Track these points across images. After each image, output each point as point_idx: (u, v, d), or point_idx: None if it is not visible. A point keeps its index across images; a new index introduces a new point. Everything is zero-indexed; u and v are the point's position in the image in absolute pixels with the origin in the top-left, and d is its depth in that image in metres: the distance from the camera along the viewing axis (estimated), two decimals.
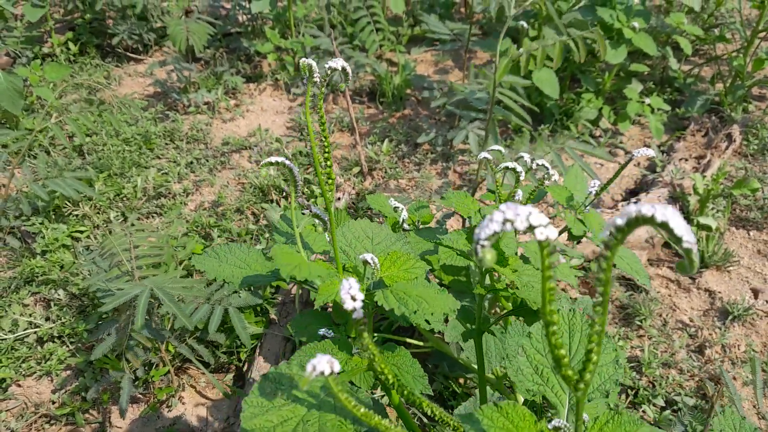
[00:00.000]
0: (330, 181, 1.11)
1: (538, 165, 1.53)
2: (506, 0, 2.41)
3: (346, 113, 3.56)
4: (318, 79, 1.05)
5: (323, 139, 1.07)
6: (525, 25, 2.53)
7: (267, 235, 2.47)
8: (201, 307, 1.99)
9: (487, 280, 1.38)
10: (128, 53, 4.25)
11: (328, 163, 1.09)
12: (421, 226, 1.90)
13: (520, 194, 1.50)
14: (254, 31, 4.27)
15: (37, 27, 4.08)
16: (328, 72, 1.03)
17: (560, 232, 1.60)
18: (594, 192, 1.50)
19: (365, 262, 1.09)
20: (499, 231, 0.54)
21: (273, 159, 1.15)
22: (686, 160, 3.02)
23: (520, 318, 1.43)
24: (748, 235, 2.65)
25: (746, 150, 3.11)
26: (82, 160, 3.11)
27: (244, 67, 4.02)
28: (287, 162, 1.15)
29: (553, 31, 2.99)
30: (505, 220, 0.54)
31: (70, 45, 4.10)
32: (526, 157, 1.66)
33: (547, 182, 1.61)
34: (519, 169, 1.35)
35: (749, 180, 2.51)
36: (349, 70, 1.04)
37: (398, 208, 1.75)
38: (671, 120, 3.41)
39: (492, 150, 1.67)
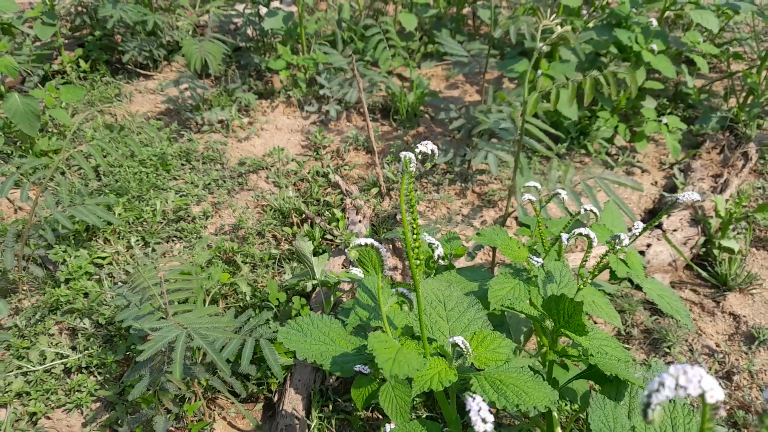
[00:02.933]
0: (420, 266, 1.12)
1: (585, 210, 1.53)
2: (528, 28, 2.42)
3: (360, 132, 3.56)
4: (413, 166, 1.07)
5: (413, 233, 1.07)
6: (543, 47, 2.53)
7: (294, 264, 2.46)
8: (232, 341, 1.99)
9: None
10: (138, 69, 4.23)
11: (418, 253, 1.10)
12: (454, 260, 1.90)
13: (566, 239, 1.50)
14: (265, 46, 4.26)
15: (47, 45, 4.07)
16: (418, 156, 1.04)
17: (600, 270, 1.60)
18: (638, 232, 1.50)
19: (455, 345, 1.09)
20: (672, 396, 0.55)
21: (361, 241, 1.14)
22: (703, 179, 3.03)
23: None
24: None
25: (763, 168, 3.13)
26: (98, 182, 3.10)
27: (256, 84, 4.01)
28: (375, 243, 1.15)
29: (570, 50, 2.99)
30: (678, 386, 0.54)
31: (81, 62, 4.08)
32: (563, 194, 1.67)
33: (585, 210, 1.62)
34: (592, 235, 1.35)
35: None
36: (436, 151, 1.06)
37: (434, 244, 1.75)
38: (686, 137, 3.42)
39: (529, 187, 1.67)
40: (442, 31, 4.11)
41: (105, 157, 3.24)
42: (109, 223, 2.79)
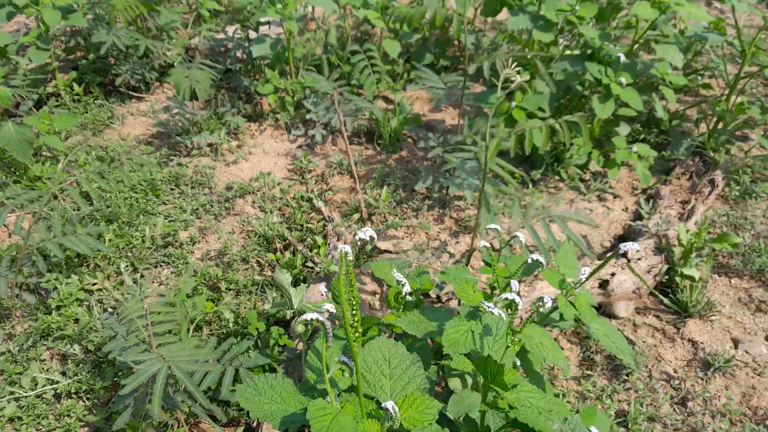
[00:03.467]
0: (357, 339, 1.23)
1: (532, 260, 1.65)
2: (501, 64, 2.55)
3: (345, 156, 3.68)
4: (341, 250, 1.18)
5: (352, 311, 1.18)
6: (503, 95, 2.65)
7: (273, 294, 2.57)
8: (213, 370, 2.11)
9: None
10: (130, 92, 4.35)
11: (357, 327, 1.21)
12: (422, 294, 2.02)
13: (516, 285, 1.62)
14: (254, 68, 4.38)
15: (41, 69, 4.18)
16: (358, 242, 1.16)
17: (549, 312, 1.72)
18: (584, 278, 1.62)
19: (386, 410, 1.22)
20: None
21: (308, 317, 1.26)
22: (671, 206, 3.16)
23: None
24: (730, 282, 2.79)
25: (729, 194, 3.26)
26: (90, 207, 3.21)
27: (245, 107, 4.13)
28: (321, 318, 1.26)
29: (544, 82, 3.12)
30: None
31: (74, 86, 4.20)
32: (521, 237, 1.79)
33: (537, 257, 1.74)
34: (517, 300, 1.47)
35: (729, 236, 2.65)
36: (375, 236, 1.17)
37: (401, 282, 1.87)
38: (658, 162, 3.55)
39: (490, 228, 1.79)
40: (426, 56, 4.24)
41: (96, 186, 3.36)
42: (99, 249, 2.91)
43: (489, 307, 1.51)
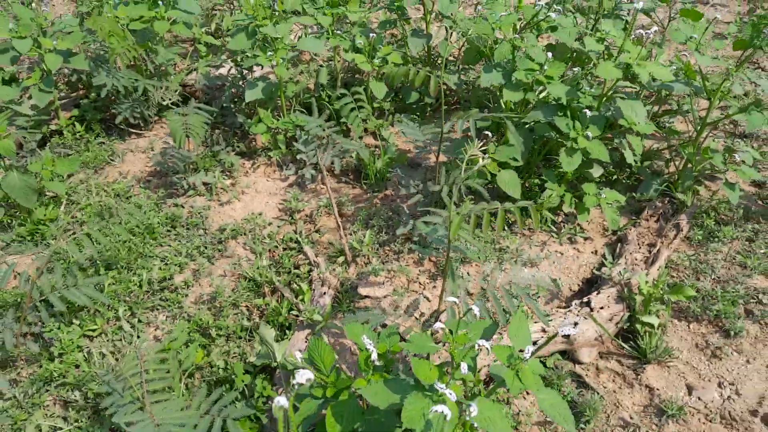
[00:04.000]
0: None
1: (479, 345, 1.84)
2: (473, 123, 2.73)
3: (333, 195, 3.87)
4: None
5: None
6: (468, 175, 2.83)
7: (259, 348, 2.77)
8: (201, 422, 2.31)
9: None
10: (130, 129, 4.55)
11: None
12: (390, 356, 2.21)
13: (464, 368, 1.81)
14: (248, 105, 4.57)
15: (45, 109, 4.37)
16: (295, 386, 1.34)
17: (495, 388, 1.91)
18: (528, 356, 1.81)
19: None
20: None
21: (278, 402, 1.39)
22: (638, 250, 3.34)
23: None
24: (689, 327, 2.97)
25: (693, 237, 3.44)
26: (90, 250, 3.41)
27: (239, 145, 4.32)
28: (285, 405, 1.42)
29: (517, 134, 3.29)
30: None
31: (76, 125, 4.40)
32: (476, 310, 1.98)
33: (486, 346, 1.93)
34: (466, 371, 1.65)
35: (685, 288, 2.83)
36: (312, 377, 1.35)
37: (369, 347, 2.06)
38: (629, 202, 3.73)
39: (449, 301, 1.98)
40: (412, 94, 4.41)
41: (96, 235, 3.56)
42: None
43: (441, 388, 1.70)
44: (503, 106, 3.23)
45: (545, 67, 3.12)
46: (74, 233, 3.39)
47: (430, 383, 1.78)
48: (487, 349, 1.86)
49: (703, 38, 3.45)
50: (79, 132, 4.40)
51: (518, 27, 3.60)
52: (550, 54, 3.13)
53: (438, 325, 1.81)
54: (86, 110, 4.56)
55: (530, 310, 2.88)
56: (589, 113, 3.12)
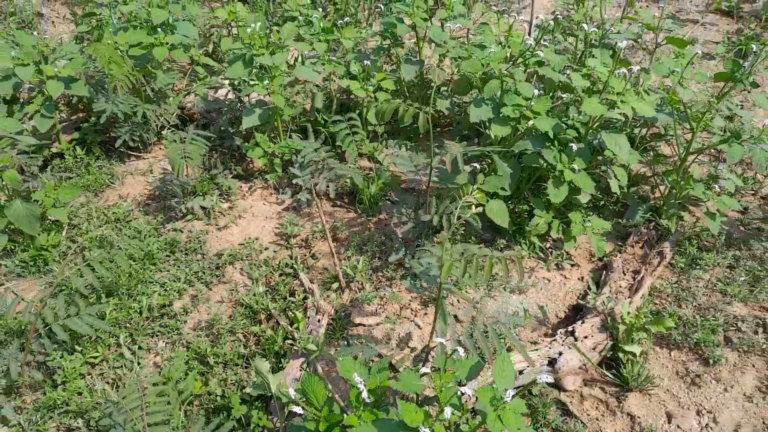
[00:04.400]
0: None
1: (462, 392, 1.95)
2: (460, 156, 2.84)
3: (328, 219, 3.97)
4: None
5: None
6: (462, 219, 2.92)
7: (255, 379, 2.86)
8: None
9: None
10: (130, 151, 4.65)
11: None
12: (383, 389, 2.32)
13: (448, 412, 1.92)
14: (246, 129, 4.67)
15: (46, 134, 4.47)
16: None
17: (477, 426, 2.02)
18: (508, 399, 1.92)
19: None
20: None
21: None
22: (624, 274, 3.45)
23: None
24: (670, 355, 3.09)
25: (676, 263, 3.55)
26: (90, 269, 3.50)
27: (236, 169, 4.42)
28: None
29: (507, 165, 3.40)
30: None
31: (77, 148, 4.50)
32: (461, 351, 2.09)
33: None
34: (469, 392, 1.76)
35: (665, 320, 2.94)
36: None
37: (360, 386, 2.17)
38: (616, 227, 3.84)
39: (438, 342, 2.09)
40: (401, 149, 4.49)
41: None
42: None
43: (425, 431, 1.80)
44: (492, 135, 3.33)
45: (532, 102, 3.23)
46: (76, 261, 3.50)
47: (416, 426, 1.89)
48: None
49: (690, 65, 3.56)
50: (79, 155, 4.49)
51: (508, 57, 3.71)
52: (536, 91, 3.23)
53: (424, 370, 1.92)
54: (87, 133, 4.65)
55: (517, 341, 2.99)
56: (575, 147, 3.22)
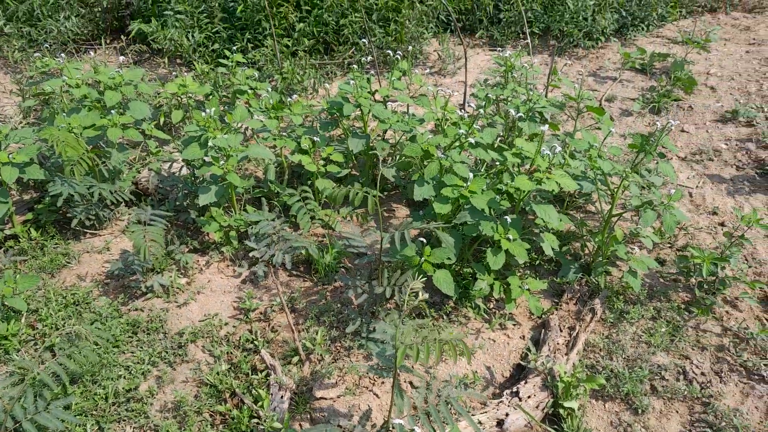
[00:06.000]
0: None
1: None
2: (407, 234, 3.11)
3: (285, 291, 4.17)
4: None
5: None
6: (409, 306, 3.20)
7: None
8: None
9: None
10: (85, 229, 4.74)
11: None
12: None
13: None
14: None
15: (1, 222, 4.51)
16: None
17: None
18: None
19: None
20: None
21: None
22: (561, 331, 3.79)
23: None
24: (605, 407, 3.41)
25: (607, 318, 3.92)
26: (52, 356, 3.57)
27: (193, 243, 4.58)
28: None
29: (449, 235, 3.71)
30: None
31: (32, 230, 4.56)
32: (418, 430, 2.33)
33: None
34: None
35: (596, 378, 3.28)
36: None
37: None
38: (552, 285, 4.20)
39: (397, 423, 2.32)
40: (355, 185, 4.79)
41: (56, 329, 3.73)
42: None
43: None
44: (435, 212, 3.64)
45: (468, 182, 3.56)
46: (36, 349, 3.56)
47: None
48: None
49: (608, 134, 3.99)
50: (33, 237, 4.55)
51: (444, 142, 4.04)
52: (471, 174, 3.57)
53: None
54: (41, 213, 4.72)
55: (468, 401, 3.26)
56: (509, 219, 3.57)
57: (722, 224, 4.70)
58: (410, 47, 5.96)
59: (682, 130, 5.88)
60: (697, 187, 5.12)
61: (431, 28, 7.52)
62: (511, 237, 3.59)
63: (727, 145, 5.59)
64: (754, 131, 5.67)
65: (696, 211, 4.88)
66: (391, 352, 2.79)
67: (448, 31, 7.94)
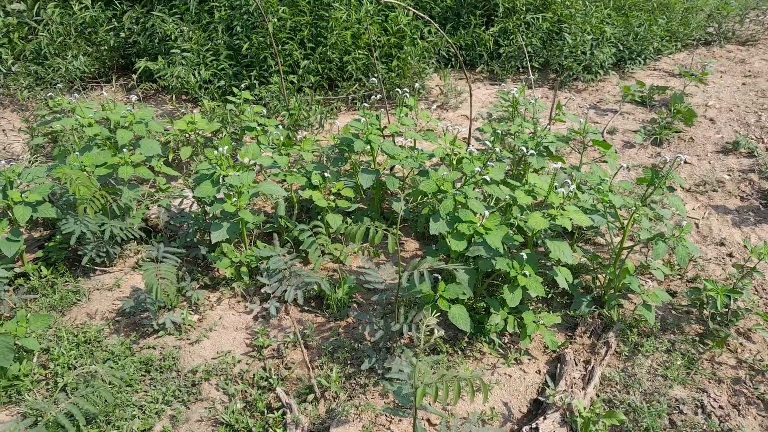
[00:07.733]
0: None
1: None
2: (426, 272, 3.12)
3: (298, 326, 4.16)
4: None
5: None
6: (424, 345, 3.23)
7: None
8: None
9: None
10: (95, 267, 4.73)
11: None
12: None
13: None
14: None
15: (11, 259, 4.51)
16: None
17: None
18: None
19: None
20: None
21: None
22: (576, 365, 3.78)
23: None
24: None
25: (622, 351, 3.91)
26: (66, 396, 3.52)
27: (204, 279, 4.57)
28: None
29: (464, 271, 3.73)
30: None
31: (42, 269, 4.55)
32: None
33: None
34: None
35: (616, 413, 3.26)
36: None
37: None
38: (565, 318, 4.20)
39: None
40: (364, 219, 4.82)
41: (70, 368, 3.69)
42: None
43: None
44: (451, 248, 3.67)
45: (483, 221, 3.60)
46: (48, 389, 3.52)
47: None
48: None
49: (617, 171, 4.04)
50: (44, 275, 4.54)
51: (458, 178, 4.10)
52: (486, 212, 3.60)
53: None
54: (51, 251, 4.72)
55: None
56: (524, 255, 3.59)
57: (730, 255, 4.74)
58: (416, 84, 6.06)
59: (685, 162, 5.95)
60: (703, 218, 5.18)
61: (432, 63, 7.66)
62: (527, 273, 3.61)
63: (730, 176, 5.66)
64: (756, 162, 5.75)
65: (703, 242, 4.92)
66: (408, 390, 2.78)
67: (449, 66, 8.09)
